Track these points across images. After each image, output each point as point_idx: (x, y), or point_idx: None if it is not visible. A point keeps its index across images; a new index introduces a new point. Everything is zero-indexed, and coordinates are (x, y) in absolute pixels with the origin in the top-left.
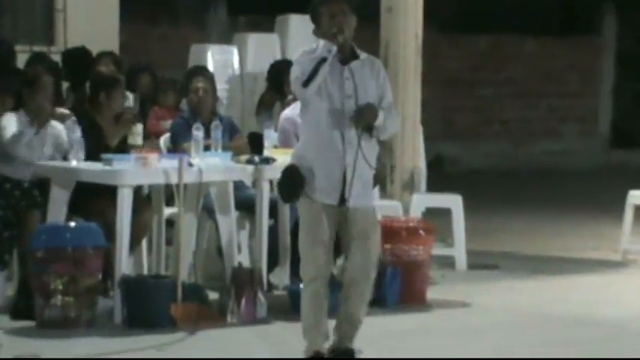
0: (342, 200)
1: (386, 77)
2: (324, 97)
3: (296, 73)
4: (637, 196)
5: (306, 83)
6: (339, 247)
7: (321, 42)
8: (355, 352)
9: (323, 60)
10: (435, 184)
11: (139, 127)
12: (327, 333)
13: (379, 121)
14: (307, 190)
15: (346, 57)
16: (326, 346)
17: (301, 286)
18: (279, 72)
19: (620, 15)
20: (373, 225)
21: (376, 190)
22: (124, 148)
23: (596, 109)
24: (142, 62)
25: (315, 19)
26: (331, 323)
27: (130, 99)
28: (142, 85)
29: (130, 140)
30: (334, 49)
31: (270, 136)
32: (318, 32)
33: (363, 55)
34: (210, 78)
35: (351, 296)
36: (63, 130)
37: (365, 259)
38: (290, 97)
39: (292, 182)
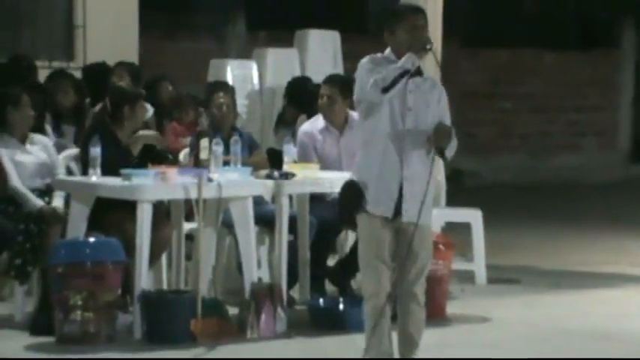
0: (397, 213)
1: (447, 101)
2: (387, 109)
3: (374, 77)
4: None
5: (386, 90)
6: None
7: (407, 54)
8: None
9: (406, 72)
10: (455, 199)
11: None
12: (391, 351)
13: (453, 142)
14: (365, 205)
15: (414, 71)
16: None
17: (363, 302)
18: (297, 88)
19: (639, 27)
20: (425, 242)
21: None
22: (143, 163)
23: (616, 123)
24: (160, 73)
25: (391, 26)
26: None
27: (150, 112)
28: (161, 94)
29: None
30: (417, 62)
31: (289, 152)
32: (391, 40)
33: (427, 75)
34: (231, 93)
35: (403, 317)
36: (48, 145)
37: (410, 277)
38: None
39: (350, 197)
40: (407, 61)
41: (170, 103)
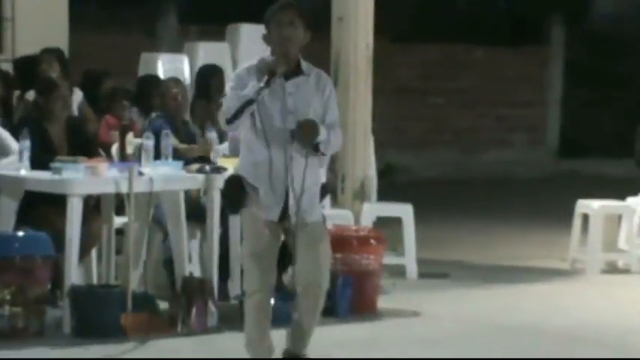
0: (285, 216)
1: (332, 92)
2: (262, 115)
3: (224, 107)
4: (585, 205)
5: (229, 121)
6: (290, 256)
7: (253, 79)
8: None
9: (250, 102)
10: (386, 193)
11: (130, 137)
12: (271, 346)
13: (322, 136)
14: (249, 204)
15: (290, 72)
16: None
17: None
18: (204, 77)
19: (568, 24)
20: (321, 235)
21: (327, 199)
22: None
23: (545, 119)
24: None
25: (266, 26)
26: (283, 333)
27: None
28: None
29: (128, 149)
30: (265, 91)
31: (212, 137)
32: (267, 40)
33: (309, 70)
34: (182, 85)
35: (302, 306)
36: (6, 135)
37: (314, 269)
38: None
39: (235, 194)
40: (250, 90)
41: (104, 97)
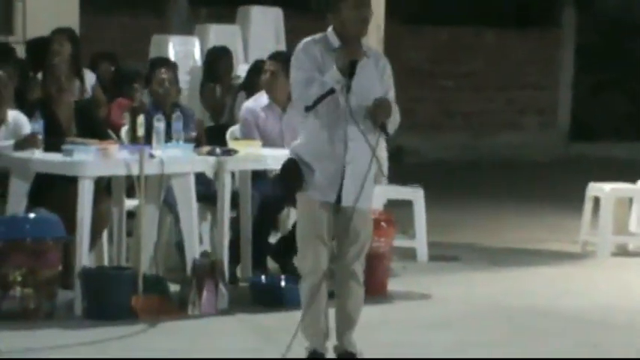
0: (340, 197)
1: (391, 74)
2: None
3: (299, 92)
4: (596, 189)
5: (309, 109)
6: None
7: (331, 71)
8: (357, 355)
9: (331, 92)
10: (396, 176)
11: (141, 119)
12: (327, 330)
13: (395, 117)
14: (305, 186)
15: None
16: (326, 345)
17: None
18: (213, 59)
19: (579, 6)
20: (364, 223)
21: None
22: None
23: (556, 102)
24: (100, 52)
25: (333, 4)
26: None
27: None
28: (101, 73)
29: (138, 132)
30: (343, 82)
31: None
32: (334, 18)
33: (369, 52)
34: (173, 69)
35: (345, 297)
36: (25, 122)
37: (351, 256)
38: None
39: (290, 177)
40: (332, 79)
41: (116, 79)
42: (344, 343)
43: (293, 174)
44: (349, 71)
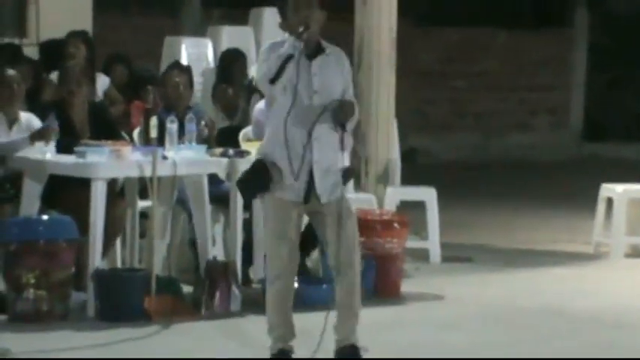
0: (309, 196)
1: (349, 69)
2: (289, 94)
3: (263, 70)
4: (609, 189)
5: (272, 80)
6: (313, 239)
7: (289, 38)
8: (360, 350)
9: (289, 57)
10: (409, 177)
11: (154, 120)
12: (293, 330)
13: (355, 116)
14: (272, 187)
15: (312, 52)
16: (292, 343)
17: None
18: (226, 61)
19: (591, 6)
20: (348, 212)
21: (350, 183)
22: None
23: (568, 102)
24: (114, 54)
25: (281, 11)
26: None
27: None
28: (116, 75)
29: (151, 133)
30: (300, 45)
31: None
32: (285, 25)
33: (328, 48)
34: (187, 73)
35: (340, 286)
36: (38, 123)
37: (344, 247)
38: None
39: (259, 178)
40: (288, 46)
41: (131, 82)
42: (348, 336)
43: (260, 174)
44: (302, 31)
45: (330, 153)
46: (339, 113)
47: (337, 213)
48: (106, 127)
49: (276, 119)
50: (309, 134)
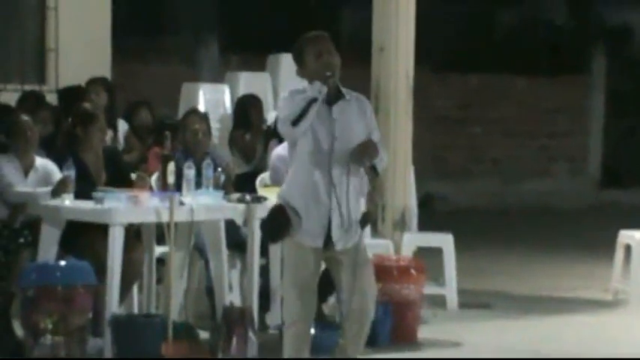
0: (328, 242)
1: (372, 114)
2: (310, 139)
3: (284, 113)
4: (628, 236)
5: (295, 122)
6: (330, 285)
7: (313, 83)
8: None
9: (314, 100)
10: (425, 223)
11: (172, 166)
12: None
13: (382, 157)
14: (292, 232)
15: (332, 97)
16: None
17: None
18: (243, 107)
19: (609, 53)
20: (365, 261)
21: (367, 229)
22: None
23: (586, 149)
24: (139, 100)
25: (299, 59)
26: None
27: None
28: (139, 120)
29: (169, 179)
30: (325, 89)
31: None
32: (303, 72)
33: (348, 95)
34: (206, 120)
35: (348, 333)
36: (54, 169)
37: (360, 295)
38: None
39: (278, 223)
40: (312, 89)
41: (151, 128)
42: None
43: (280, 220)
44: (328, 76)
45: (350, 199)
46: (360, 152)
47: (353, 261)
48: (121, 171)
49: (297, 163)
50: (329, 180)
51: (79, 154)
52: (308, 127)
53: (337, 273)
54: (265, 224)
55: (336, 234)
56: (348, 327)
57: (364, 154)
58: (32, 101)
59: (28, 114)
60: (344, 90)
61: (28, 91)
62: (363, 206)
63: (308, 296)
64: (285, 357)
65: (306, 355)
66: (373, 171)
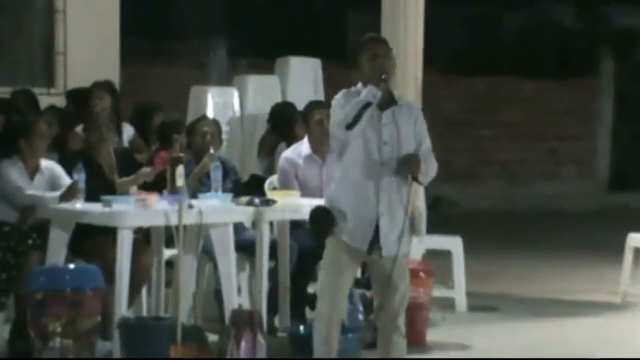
0: (372, 247)
1: (423, 122)
2: (360, 143)
3: (339, 116)
4: (636, 239)
5: (350, 126)
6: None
7: (368, 87)
8: None
9: (368, 104)
10: (434, 226)
11: (181, 169)
12: None
13: (422, 169)
14: (337, 231)
15: (384, 102)
16: None
17: (313, 324)
18: (281, 113)
19: (617, 56)
20: (403, 273)
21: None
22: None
23: (594, 152)
24: (154, 103)
25: (354, 61)
26: None
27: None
28: (154, 123)
29: (178, 182)
30: (379, 94)
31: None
32: (358, 74)
33: (401, 101)
34: (216, 123)
35: (384, 347)
36: (61, 172)
37: (393, 309)
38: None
39: (323, 221)
40: (367, 94)
41: (157, 132)
42: None
43: (323, 219)
44: (383, 78)
45: (397, 207)
46: (403, 166)
47: (389, 270)
48: (135, 169)
49: (346, 167)
50: (379, 184)
51: (93, 156)
52: (358, 132)
53: (376, 278)
54: (310, 221)
55: (386, 240)
56: (386, 338)
57: (408, 166)
58: (22, 100)
59: (18, 112)
60: (397, 96)
61: (19, 90)
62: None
63: (341, 296)
64: (317, 350)
65: (334, 353)
66: (415, 180)
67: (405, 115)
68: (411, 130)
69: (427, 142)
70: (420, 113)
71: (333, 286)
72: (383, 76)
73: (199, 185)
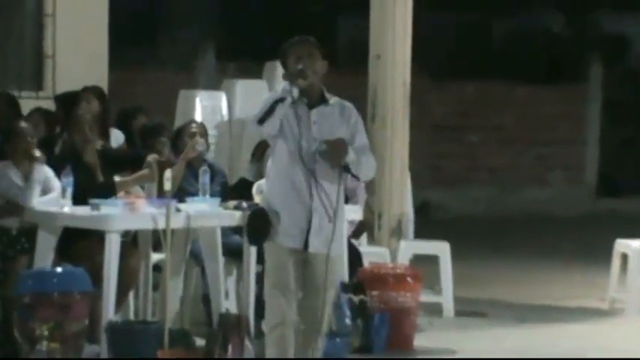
0: (307, 244)
1: (358, 120)
2: (289, 141)
3: (255, 112)
4: (624, 245)
5: (260, 121)
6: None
7: (284, 84)
8: None
9: (280, 100)
10: (422, 231)
11: (168, 173)
12: None
13: (351, 157)
14: (273, 234)
15: (314, 101)
16: None
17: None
18: None
19: (606, 62)
20: (340, 273)
21: (363, 237)
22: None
23: (583, 157)
24: (135, 105)
25: (283, 62)
26: None
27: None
28: (136, 125)
29: (166, 186)
30: (295, 91)
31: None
32: (286, 75)
33: (332, 100)
34: (203, 127)
35: (304, 341)
36: (50, 174)
37: (321, 312)
38: None
39: (258, 226)
40: (282, 90)
41: (144, 132)
42: None
43: (260, 222)
44: (298, 71)
45: (330, 202)
46: (328, 152)
47: (330, 270)
48: (119, 162)
49: (277, 165)
50: (311, 181)
51: (79, 156)
52: (286, 130)
53: (307, 276)
54: (246, 227)
55: (313, 236)
56: (302, 342)
57: (333, 151)
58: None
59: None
60: (328, 95)
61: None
62: (359, 215)
63: (289, 299)
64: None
65: (292, 356)
66: (347, 170)
67: (336, 114)
68: (343, 128)
69: (362, 139)
70: (354, 111)
71: (279, 292)
72: (299, 67)
73: (184, 179)
